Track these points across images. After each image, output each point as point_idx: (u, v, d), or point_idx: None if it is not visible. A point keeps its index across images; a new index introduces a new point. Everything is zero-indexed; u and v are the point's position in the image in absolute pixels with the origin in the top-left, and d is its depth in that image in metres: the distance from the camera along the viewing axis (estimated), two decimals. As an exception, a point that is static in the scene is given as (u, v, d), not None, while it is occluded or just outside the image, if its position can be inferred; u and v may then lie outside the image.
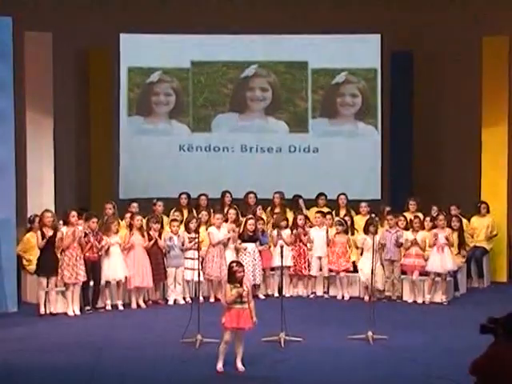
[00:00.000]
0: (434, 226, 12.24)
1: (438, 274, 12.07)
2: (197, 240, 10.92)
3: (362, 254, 12.40)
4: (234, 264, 8.66)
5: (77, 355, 9.12)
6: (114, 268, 11.71)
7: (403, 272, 12.34)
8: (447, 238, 12.07)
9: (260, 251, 12.60)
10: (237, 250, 12.49)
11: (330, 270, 12.60)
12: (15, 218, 11.70)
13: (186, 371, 8.51)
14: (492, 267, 13.99)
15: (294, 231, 12.66)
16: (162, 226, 12.32)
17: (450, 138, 15.09)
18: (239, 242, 12.53)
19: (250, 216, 12.84)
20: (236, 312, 8.40)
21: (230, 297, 8.38)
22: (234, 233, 12.52)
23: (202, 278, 11.40)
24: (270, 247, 12.77)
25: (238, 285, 8.43)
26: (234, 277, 8.46)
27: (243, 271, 8.52)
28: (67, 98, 14.70)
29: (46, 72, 13.66)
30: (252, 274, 12.37)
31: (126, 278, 11.79)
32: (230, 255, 12.31)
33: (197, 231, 11.66)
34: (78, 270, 11.31)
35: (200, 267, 10.80)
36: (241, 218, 13.01)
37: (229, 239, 12.41)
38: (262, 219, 13.07)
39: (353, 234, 12.83)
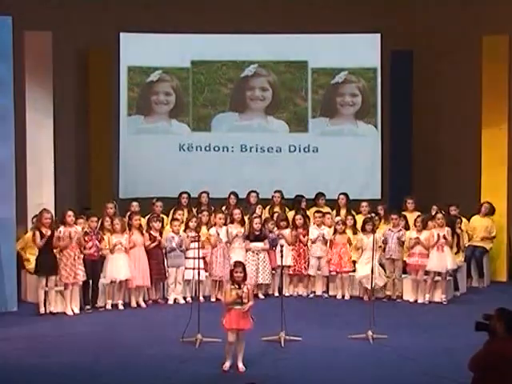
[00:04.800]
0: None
1: (439, 274, 12.08)
2: (197, 239, 10.94)
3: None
4: (234, 265, 8.68)
5: (77, 355, 9.13)
6: (117, 268, 11.71)
7: (406, 271, 12.35)
8: (445, 237, 12.08)
9: (267, 251, 12.59)
10: (246, 250, 12.50)
11: (332, 271, 12.58)
12: (15, 218, 11.70)
13: (186, 371, 8.51)
14: (492, 267, 13.99)
15: (294, 232, 12.65)
16: (162, 226, 12.32)
17: (449, 137, 15.09)
18: (247, 242, 12.53)
19: (256, 215, 12.84)
20: (235, 313, 8.42)
21: (229, 298, 8.43)
22: (240, 233, 12.54)
23: (203, 278, 11.43)
24: (272, 247, 12.72)
25: (237, 286, 8.44)
26: (232, 278, 8.49)
27: (241, 272, 8.50)
28: (67, 97, 14.69)
29: (46, 71, 13.65)
30: (255, 273, 12.37)
31: (129, 278, 11.80)
32: (239, 255, 12.33)
33: (197, 230, 11.64)
34: (76, 270, 11.29)
35: (202, 267, 10.82)
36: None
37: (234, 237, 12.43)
38: (272, 219, 13.03)
39: (355, 233, 12.78)
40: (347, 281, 12.55)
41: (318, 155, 15.29)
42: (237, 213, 12.70)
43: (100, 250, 11.66)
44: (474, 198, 14.05)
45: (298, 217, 12.79)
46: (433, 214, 12.60)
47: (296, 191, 13.94)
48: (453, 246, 12.57)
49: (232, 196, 13.63)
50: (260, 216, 13.03)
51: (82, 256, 11.39)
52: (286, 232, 12.70)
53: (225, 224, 12.55)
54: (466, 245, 13.32)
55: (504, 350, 5.95)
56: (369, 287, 11.82)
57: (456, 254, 12.81)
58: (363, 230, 12.37)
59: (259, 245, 12.51)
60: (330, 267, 12.56)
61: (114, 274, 11.70)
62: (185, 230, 12.31)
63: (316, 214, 12.90)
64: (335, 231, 12.64)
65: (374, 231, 11.69)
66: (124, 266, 11.74)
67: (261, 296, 12.54)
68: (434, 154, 15.20)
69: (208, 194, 13.58)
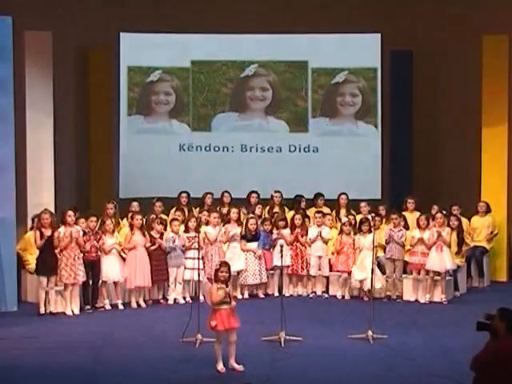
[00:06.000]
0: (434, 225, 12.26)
1: (438, 273, 12.09)
2: (197, 239, 10.94)
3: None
4: (220, 264, 8.68)
5: (76, 355, 9.12)
6: (111, 268, 11.70)
7: (405, 271, 12.35)
8: (442, 236, 12.10)
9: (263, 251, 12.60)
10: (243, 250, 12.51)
11: (338, 271, 12.56)
12: (15, 218, 11.70)
13: (186, 371, 8.51)
14: (492, 267, 13.99)
15: (293, 232, 12.66)
16: (165, 229, 12.30)
17: (449, 137, 15.09)
18: (244, 242, 12.52)
19: (252, 215, 12.83)
20: (225, 312, 8.38)
21: (217, 298, 8.37)
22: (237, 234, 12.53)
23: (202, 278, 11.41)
24: (269, 248, 12.71)
25: (224, 285, 8.43)
26: (217, 277, 8.47)
27: (226, 272, 8.50)
28: (67, 97, 14.69)
29: (46, 71, 13.65)
30: (258, 273, 12.38)
31: (123, 278, 11.78)
32: (239, 255, 12.35)
33: (197, 231, 11.64)
34: (76, 270, 11.29)
35: (201, 267, 10.82)
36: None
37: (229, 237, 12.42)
38: (268, 219, 13.01)
39: (355, 233, 12.76)
40: (348, 281, 12.53)
41: (318, 155, 15.29)
42: (234, 212, 12.68)
43: (99, 250, 11.66)
44: (474, 197, 14.04)
45: (298, 216, 12.78)
46: (433, 213, 12.60)
47: (296, 191, 13.93)
48: (451, 245, 12.59)
49: (226, 194, 13.64)
50: (259, 216, 13.04)
51: (81, 256, 11.39)
52: (285, 232, 12.69)
53: (223, 223, 12.56)
54: (471, 245, 13.25)
55: (505, 349, 5.96)
56: (367, 288, 11.84)
57: (456, 253, 12.82)
58: (360, 230, 12.39)
59: (254, 244, 12.51)
60: (337, 267, 12.54)
61: (107, 274, 11.69)
62: (185, 231, 12.30)
63: (316, 215, 12.90)
64: (341, 231, 12.63)
65: (370, 231, 11.68)
66: (117, 266, 11.74)
67: (261, 295, 12.57)
68: (433, 153, 15.20)
69: (213, 194, 13.57)
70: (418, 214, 12.82)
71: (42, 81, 13.60)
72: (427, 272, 12.12)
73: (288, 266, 12.51)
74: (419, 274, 12.16)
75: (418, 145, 15.12)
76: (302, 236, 12.67)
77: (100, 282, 11.65)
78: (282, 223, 12.75)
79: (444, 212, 12.50)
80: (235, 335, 8.42)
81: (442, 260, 12.03)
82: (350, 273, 12.45)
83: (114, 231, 11.90)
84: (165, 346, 9.42)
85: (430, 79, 15.08)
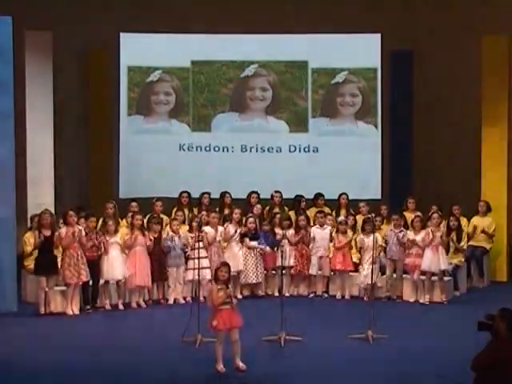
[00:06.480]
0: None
1: (434, 274, 12.09)
2: (201, 238, 10.99)
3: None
4: (219, 265, 8.69)
5: (76, 355, 9.11)
6: (113, 268, 11.70)
7: (405, 271, 12.36)
8: (441, 237, 12.09)
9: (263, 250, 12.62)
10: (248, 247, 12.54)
11: (336, 270, 12.56)
12: (15, 218, 11.70)
13: (186, 371, 8.51)
14: (492, 267, 13.99)
15: (298, 233, 12.66)
16: (162, 227, 12.31)
17: (449, 137, 15.07)
18: (247, 240, 12.53)
19: (250, 215, 12.85)
20: (227, 312, 8.38)
21: (219, 299, 8.36)
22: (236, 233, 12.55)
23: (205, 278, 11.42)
24: (272, 248, 12.71)
25: (225, 286, 8.43)
26: (217, 278, 8.47)
27: (226, 272, 8.50)
28: (67, 97, 14.69)
29: (46, 71, 13.66)
30: (254, 272, 12.40)
31: (125, 278, 11.79)
32: (236, 254, 12.37)
33: (199, 230, 11.65)
34: (79, 270, 11.29)
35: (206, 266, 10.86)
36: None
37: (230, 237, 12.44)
38: (268, 219, 13.02)
39: (354, 233, 12.78)
40: (348, 281, 12.55)
41: (318, 155, 15.28)
42: (237, 212, 12.71)
43: (99, 250, 11.66)
44: (474, 197, 14.05)
45: (302, 218, 12.79)
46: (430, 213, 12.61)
47: (296, 191, 13.93)
48: (450, 245, 12.60)
49: (227, 195, 13.65)
50: (258, 216, 13.04)
51: (84, 256, 11.39)
52: (289, 232, 12.69)
53: (222, 224, 12.56)
54: (465, 246, 13.23)
55: (506, 350, 5.96)
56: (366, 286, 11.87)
57: (455, 253, 12.82)
58: (363, 230, 12.39)
59: (254, 243, 12.53)
60: (336, 266, 12.54)
61: (109, 274, 11.70)
62: (189, 231, 12.31)
63: (318, 215, 12.91)
64: (337, 230, 12.64)
65: (373, 231, 11.69)
66: (119, 266, 11.74)
67: (261, 295, 12.57)
68: (433, 153, 15.18)
69: (210, 194, 13.58)
70: (418, 213, 12.83)
71: (42, 81, 13.61)
72: (424, 272, 12.12)
73: (292, 267, 12.53)
74: (414, 274, 12.16)
75: (418, 145, 15.12)
76: (307, 236, 12.69)
77: (101, 281, 11.66)
78: (286, 223, 12.75)
79: (439, 213, 12.50)
80: (237, 334, 8.41)
81: (437, 260, 12.04)
82: (349, 271, 12.47)
83: (115, 231, 11.91)
84: (165, 346, 9.43)
85: (430, 79, 15.08)
